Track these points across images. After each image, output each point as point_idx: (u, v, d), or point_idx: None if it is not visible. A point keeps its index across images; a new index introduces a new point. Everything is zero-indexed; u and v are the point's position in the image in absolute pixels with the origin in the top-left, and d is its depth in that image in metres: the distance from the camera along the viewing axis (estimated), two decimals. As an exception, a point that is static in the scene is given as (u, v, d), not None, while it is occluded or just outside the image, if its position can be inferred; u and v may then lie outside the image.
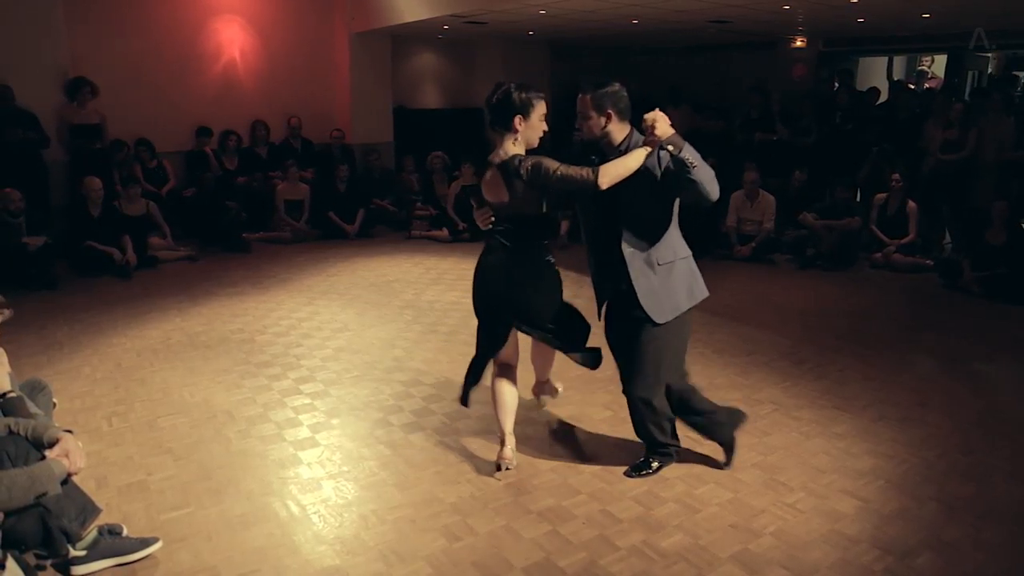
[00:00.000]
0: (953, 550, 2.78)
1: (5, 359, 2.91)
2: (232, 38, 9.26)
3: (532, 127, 3.14)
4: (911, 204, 7.36)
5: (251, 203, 8.49)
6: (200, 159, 8.70)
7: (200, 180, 8.41)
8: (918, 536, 2.86)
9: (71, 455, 2.43)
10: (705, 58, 11.63)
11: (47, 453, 2.44)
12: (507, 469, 3.30)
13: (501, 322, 3.31)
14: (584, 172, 2.92)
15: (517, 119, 3.10)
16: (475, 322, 3.42)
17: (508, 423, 3.33)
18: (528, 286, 3.23)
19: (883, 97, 9.48)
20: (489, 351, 3.41)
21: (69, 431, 2.59)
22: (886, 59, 11.56)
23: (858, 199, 8.20)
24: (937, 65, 12.19)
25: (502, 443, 3.33)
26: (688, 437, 3.66)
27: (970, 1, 6.71)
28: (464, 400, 3.57)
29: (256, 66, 9.47)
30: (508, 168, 3.08)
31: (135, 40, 8.49)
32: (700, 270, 3.19)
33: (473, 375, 3.49)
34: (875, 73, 11.34)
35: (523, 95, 3.09)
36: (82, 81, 7.56)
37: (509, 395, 3.36)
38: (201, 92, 9.08)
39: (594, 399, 4.10)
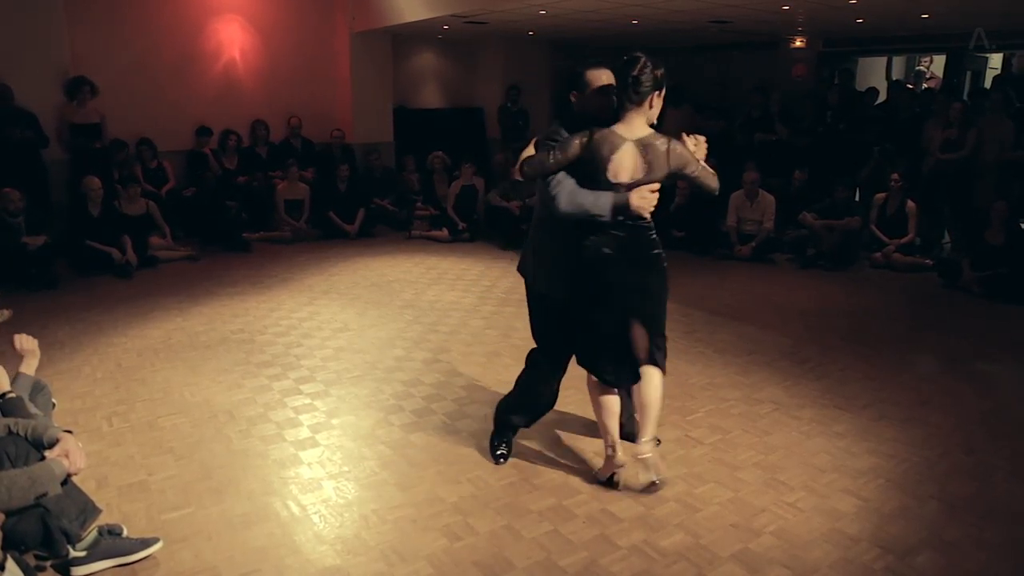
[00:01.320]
0: (954, 549, 2.78)
1: (36, 356, 2.99)
2: (232, 37, 9.26)
3: (656, 107, 3.02)
4: (911, 204, 7.36)
5: (251, 203, 8.48)
6: (200, 159, 8.69)
7: (200, 180, 8.40)
8: (919, 535, 2.86)
9: (71, 455, 2.42)
10: (705, 58, 11.63)
11: (47, 453, 2.44)
12: (619, 479, 3.14)
13: (613, 318, 3.02)
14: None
15: (656, 96, 2.95)
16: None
17: (616, 429, 3.13)
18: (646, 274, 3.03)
19: (882, 97, 9.49)
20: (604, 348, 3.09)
21: (69, 431, 2.58)
22: (885, 59, 11.57)
23: (858, 199, 8.20)
24: (936, 65, 12.20)
25: (613, 452, 3.10)
26: (689, 437, 3.67)
27: (970, 1, 6.72)
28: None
29: (256, 65, 9.47)
30: (659, 146, 2.93)
31: (135, 39, 8.49)
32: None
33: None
34: (875, 73, 11.36)
35: (662, 72, 2.90)
36: (82, 80, 7.55)
37: (615, 401, 3.13)
38: (201, 92, 9.07)
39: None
